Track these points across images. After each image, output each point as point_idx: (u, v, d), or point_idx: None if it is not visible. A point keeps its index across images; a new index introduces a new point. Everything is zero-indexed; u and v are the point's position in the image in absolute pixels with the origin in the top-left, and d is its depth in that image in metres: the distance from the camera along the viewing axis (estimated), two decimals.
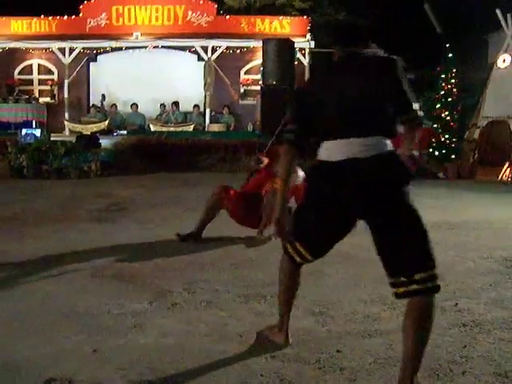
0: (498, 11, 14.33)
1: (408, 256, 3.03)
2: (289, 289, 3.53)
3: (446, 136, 14.30)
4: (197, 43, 19.36)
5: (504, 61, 14.28)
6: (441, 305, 4.29)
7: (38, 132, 15.07)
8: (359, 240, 6.41)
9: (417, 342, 3.00)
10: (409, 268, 3.00)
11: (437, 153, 14.18)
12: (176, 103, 19.26)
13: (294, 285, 3.52)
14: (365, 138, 3.09)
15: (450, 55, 14.72)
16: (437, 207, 9.15)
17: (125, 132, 17.55)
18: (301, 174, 6.88)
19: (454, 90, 14.69)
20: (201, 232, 6.56)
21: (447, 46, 14.80)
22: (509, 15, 14.24)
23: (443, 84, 14.70)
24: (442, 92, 14.70)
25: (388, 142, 3.15)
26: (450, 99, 14.65)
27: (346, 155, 3.09)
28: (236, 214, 6.61)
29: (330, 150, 3.16)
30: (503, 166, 13.15)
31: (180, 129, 17.91)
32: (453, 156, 14.11)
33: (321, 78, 3.54)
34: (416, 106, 3.34)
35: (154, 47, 19.66)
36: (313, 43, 19.43)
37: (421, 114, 15.24)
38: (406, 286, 3.01)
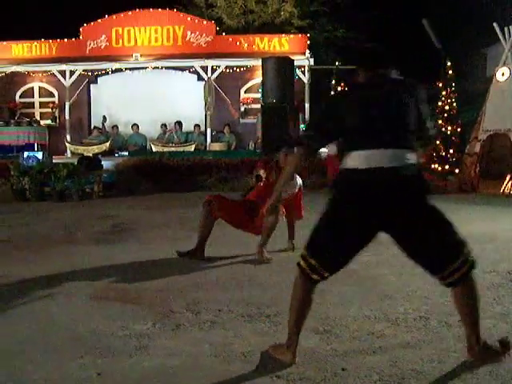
0: (495, 25, 14.38)
1: (449, 245, 3.48)
2: (301, 308, 3.59)
3: (448, 150, 14.34)
4: (196, 63, 19.47)
5: (503, 74, 14.30)
6: (445, 319, 4.29)
7: (39, 154, 15.12)
8: (362, 257, 6.43)
9: (473, 314, 3.52)
10: (455, 254, 3.44)
11: (439, 167, 14.21)
12: (179, 123, 19.36)
13: (307, 304, 3.59)
14: (390, 150, 3.41)
15: (450, 70, 14.77)
16: None
17: (126, 153, 17.62)
18: (299, 181, 6.91)
19: (454, 104, 14.74)
20: (201, 248, 6.55)
21: (446, 60, 14.85)
22: (506, 29, 14.29)
23: (443, 98, 14.75)
24: (442, 106, 14.75)
25: (411, 154, 3.47)
26: (450, 113, 14.69)
27: (372, 164, 3.39)
28: (234, 219, 6.72)
29: (358, 160, 3.44)
30: (505, 179, 13.14)
31: (181, 149, 17.96)
32: (454, 169, 14.14)
33: (347, 95, 3.82)
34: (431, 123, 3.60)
35: (153, 68, 19.75)
36: (312, 60, 19.51)
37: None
38: (459, 270, 3.41)
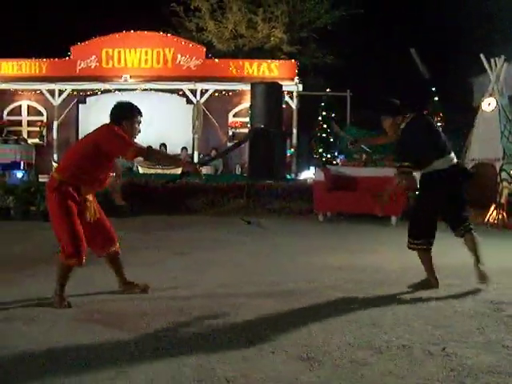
0: (482, 56, 14.56)
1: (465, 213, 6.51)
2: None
3: None
4: (186, 86, 19.58)
5: (489, 104, 14.45)
6: (428, 348, 4.29)
7: (26, 173, 15.06)
8: (344, 284, 6.46)
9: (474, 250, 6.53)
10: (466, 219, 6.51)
11: None
12: (164, 145, 19.34)
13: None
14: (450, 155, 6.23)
15: (436, 98, 14.88)
16: None
17: (113, 174, 17.57)
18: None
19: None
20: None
21: (433, 89, 14.98)
22: (492, 60, 14.46)
23: None
24: None
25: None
26: None
27: (448, 165, 6.17)
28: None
29: (440, 164, 6.12)
30: (489, 209, 13.21)
31: (168, 171, 17.95)
32: None
33: (417, 130, 6.24)
34: None
35: (143, 90, 19.81)
36: (301, 86, 19.64)
37: None
38: (466, 228, 6.47)
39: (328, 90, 19.07)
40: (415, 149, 6.11)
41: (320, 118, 18.99)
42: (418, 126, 6.20)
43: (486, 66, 14.62)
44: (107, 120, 5.63)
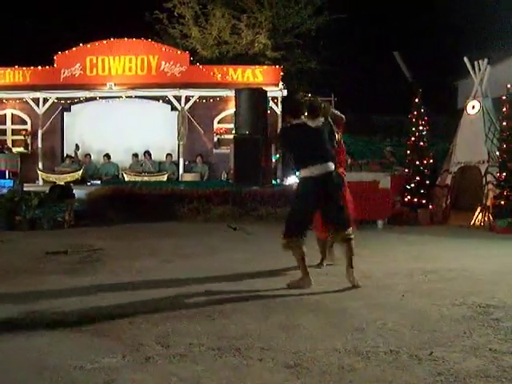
0: (465, 59, 14.65)
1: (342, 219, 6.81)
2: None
3: (419, 182, 14.45)
4: (170, 93, 19.53)
5: (473, 107, 14.52)
6: (415, 353, 4.29)
7: (10, 182, 14.99)
8: (332, 290, 6.46)
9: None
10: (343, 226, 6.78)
11: (410, 199, 14.30)
12: (148, 152, 19.35)
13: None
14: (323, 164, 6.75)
15: (420, 101, 14.92)
16: (410, 253, 9.21)
17: (99, 182, 17.55)
18: None
19: (425, 136, 14.88)
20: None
21: (417, 92, 15.02)
22: (476, 63, 14.55)
23: (414, 130, 14.88)
24: (413, 138, 14.87)
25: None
26: (421, 145, 14.81)
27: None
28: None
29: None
30: (475, 211, 13.27)
31: (154, 178, 17.92)
32: (425, 201, 14.24)
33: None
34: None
35: (127, 97, 19.76)
36: (285, 92, 19.65)
37: (393, 160, 15.46)
38: (345, 236, 6.78)
39: (309, 94, 19.05)
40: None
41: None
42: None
43: (470, 68, 14.70)
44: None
